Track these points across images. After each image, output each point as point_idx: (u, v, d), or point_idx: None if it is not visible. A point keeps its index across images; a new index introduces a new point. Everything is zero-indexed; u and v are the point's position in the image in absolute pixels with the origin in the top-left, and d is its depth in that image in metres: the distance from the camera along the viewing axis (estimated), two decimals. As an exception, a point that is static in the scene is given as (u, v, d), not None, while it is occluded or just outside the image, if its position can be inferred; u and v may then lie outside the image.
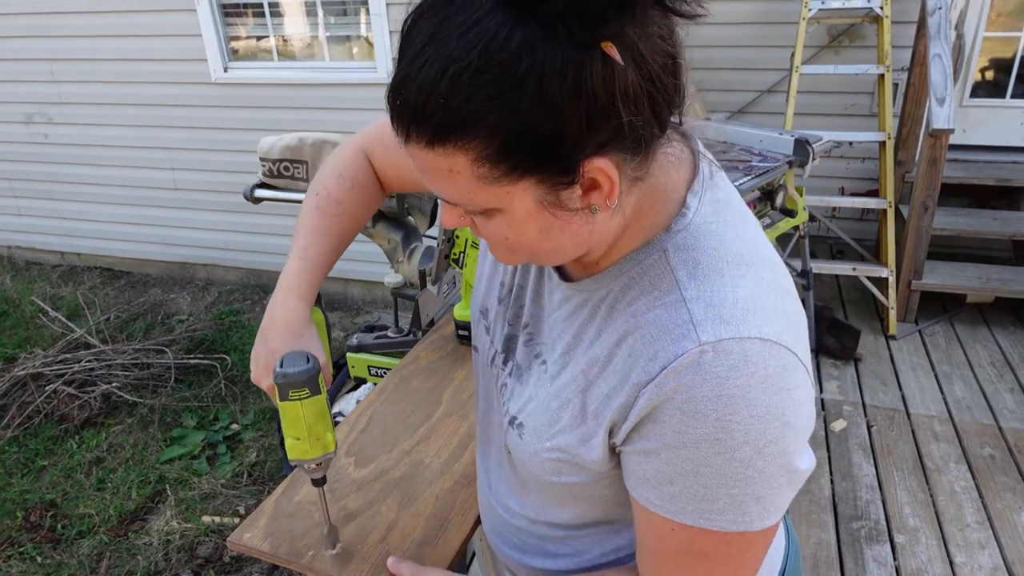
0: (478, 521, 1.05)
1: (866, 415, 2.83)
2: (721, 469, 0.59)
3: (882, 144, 3.22)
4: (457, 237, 1.43)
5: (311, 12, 3.84)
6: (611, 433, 0.66)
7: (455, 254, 1.45)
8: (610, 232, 0.64)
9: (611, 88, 0.52)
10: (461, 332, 1.50)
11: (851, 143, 3.45)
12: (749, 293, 0.60)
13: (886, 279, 3.32)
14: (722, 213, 0.65)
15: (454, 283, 1.69)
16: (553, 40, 0.50)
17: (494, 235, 0.63)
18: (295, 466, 0.86)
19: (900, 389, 2.99)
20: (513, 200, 0.58)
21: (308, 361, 0.82)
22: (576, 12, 0.49)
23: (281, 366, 0.82)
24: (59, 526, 2.66)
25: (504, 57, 0.50)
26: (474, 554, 2.02)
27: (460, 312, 1.49)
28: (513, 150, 0.53)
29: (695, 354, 0.58)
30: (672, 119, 0.59)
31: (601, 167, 0.55)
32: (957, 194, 3.60)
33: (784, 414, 0.58)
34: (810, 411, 0.62)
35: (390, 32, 3.64)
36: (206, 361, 3.59)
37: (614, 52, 0.51)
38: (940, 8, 3.01)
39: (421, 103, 0.53)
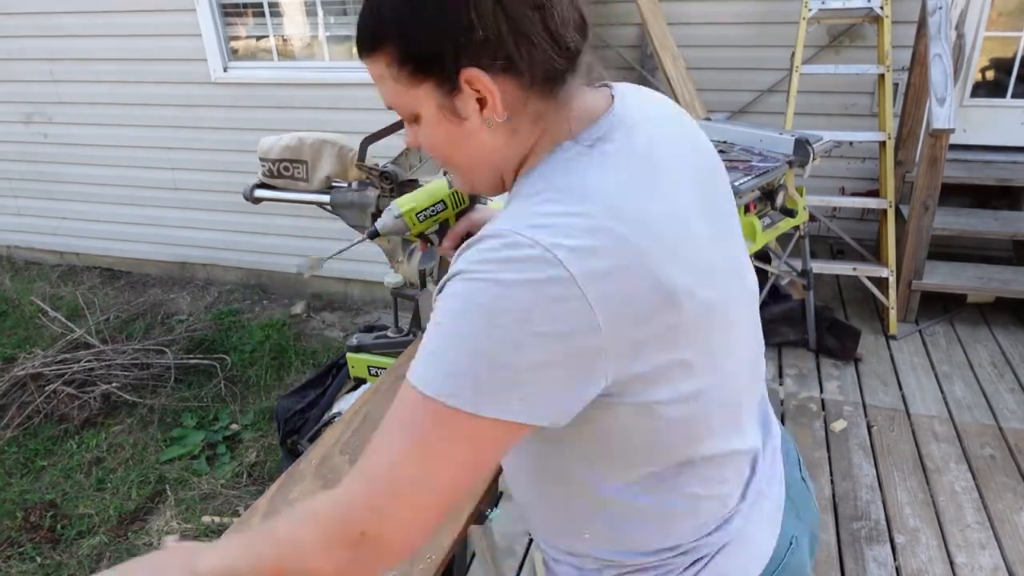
0: (471, 520, 1.04)
1: (866, 415, 2.83)
2: (455, 329, 0.65)
3: (882, 144, 3.22)
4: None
5: (311, 12, 3.84)
6: None
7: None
8: (513, 156, 0.76)
9: (468, 6, 0.66)
10: None
11: (851, 143, 3.45)
12: (553, 211, 0.67)
13: (886, 279, 3.31)
14: (592, 156, 0.71)
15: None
16: None
17: (425, 143, 0.77)
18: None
19: (900, 389, 2.99)
20: (422, 103, 0.73)
21: None
22: None
23: None
24: (59, 526, 2.66)
25: None
26: (474, 554, 2.01)
27: None
28: (411, 55, 0.70)
29: (470, 241, 0.69)
30: (564, 63, 0.71)
31: (477, 77, 0.69)
32: (957, 194, 3.59)
33: (527, 307, 0.63)
34: (555, 322, 0.63)
35: (390, 32, 3.64)
36: (206, 361, 3.59)
37: None
38: (940, 8, 3.01)
39: (361, 27, 0.73)
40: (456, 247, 1.07)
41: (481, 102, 0.71)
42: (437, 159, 0.79)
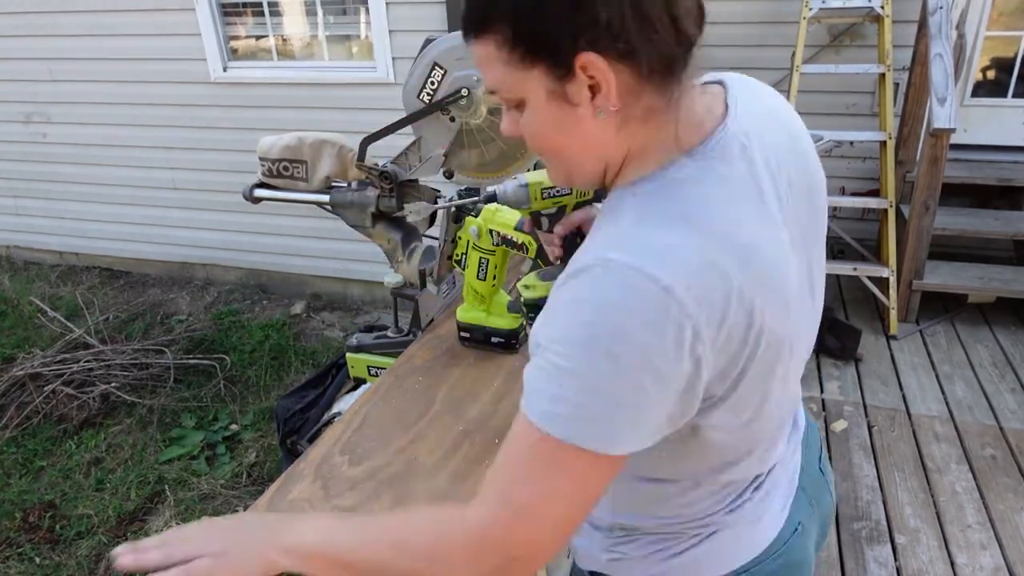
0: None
1: (867, 415, 2.82)
2: (578, 373, 0.65)
3: (883, 144, 3.21)
4: (459, 239, 1.43)
5: (310, 11, 3.84)
6: None
7: (457, 255, 1.45)
8: (618, 151, 0.73)
9: None
10: (463, 334, 1.49)
11: (852, 143, 3.45)
12: (671, 244, 0.65)
13: (887, 279, 3.31)
14: (707, 182, 0.69)
15: (454, 283, 1.69)
16: None
17: (528, 131, 0.74)
18: None
19: (901, 389, 2.98)
20: (530, 88, 0.70)
21: None
22: None
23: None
24: (58, 527, 2.65)
25: None
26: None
27: (463, 314, 1.48)
28: (523, 37, 0.67)
29: (587, 264, 0.67)
30: (682, 53, 0.68)
31: (594, 62, 0.65)
32: (958, 194, 3.59)
33: (649, 351, 0.63)
34: (674, 364, 0.64)
35: (390, 31, 3.64)
36: (205, 361, 3.59)
37: None
38: (941, 7, 3.00)
39: (470, 5, 0.70)
40: (566, 236, 1.07)
41: (594, 89, 0.68)
42: (536, 148, 0.76)
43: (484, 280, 1.41)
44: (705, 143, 0.71)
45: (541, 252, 1.29)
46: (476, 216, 1.38)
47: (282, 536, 0.76)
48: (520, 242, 1.30)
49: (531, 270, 1.22)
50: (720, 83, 0.78)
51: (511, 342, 1.45)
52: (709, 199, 0.68)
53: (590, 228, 0.76)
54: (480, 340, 1.47)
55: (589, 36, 0.64)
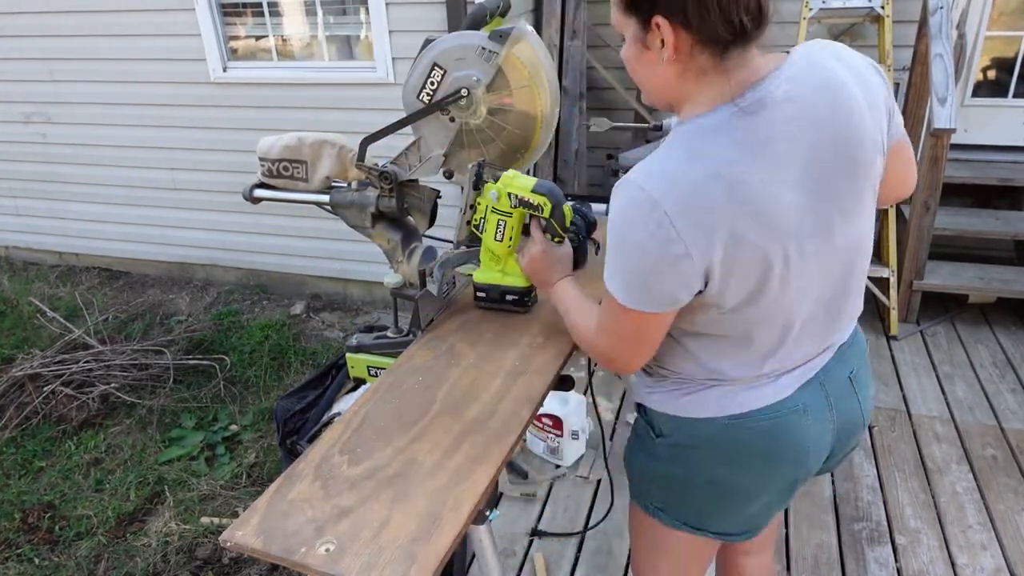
0: (471, 519, 1.04)
1: (867, 416, 2.82)
2: (613, 251, 1.02)
3: (883, 144, 3.20)
4: (478, 204, 1.50)
5: (310, 12, 3.83)
6: None
7: (476, 220, 1.52)
8: (675, 91, 1.02)
9: None
10: (479, 294, 1.59)
11: (852, 143, 3.44)
12: (667, 169, 0.96)
13: (887, 279, 3.31)
14: (720, 131, 0.96)
15: (454, 283, 1.69)
16: None
17: (625, 56, 1.05)
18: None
19: (901, 389, 2.98)
20: (628, 29, 1.00)
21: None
22: None
23: None
24: (57, 527, 2.65)
25: None
26: (474, 555, 2.01)
27: (479, 276, 1.57)
28: None
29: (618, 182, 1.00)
30: (730, 38, 0.94)
31: (660, 23, 0.94)
32: (959, 194, 3.59)
33: (640, 236, 0.96)
34: (661, 244, 0.95)
35: (390, 32, 3.64)
36: (205, 362, 3.58)
37: None
38: (941, 7, 3.00)
39: None
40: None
41: (662, 42, 0.96)
42: (630, 72, 1.06)
43: (501, 241, 1.50)
44: (743, 95, 0.96)
45: (555, 212, 1.40)
46: (495, 183, 1.46)
47: (561, 284, 1.37)
48: (536, 203, 1.41)
49: (545, 230, 1.42)
50: (787, 52, 1.01)
51: (524, 300, 1.56)
52: (716, 141, 0.95)
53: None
54: (495, 299, 1.58)
55: (663, 4, 0.93)
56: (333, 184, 1.66)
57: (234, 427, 3.18)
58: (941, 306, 3.53)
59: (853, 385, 1.24)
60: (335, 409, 1.72)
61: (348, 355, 1.66)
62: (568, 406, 2.65)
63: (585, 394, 2.90)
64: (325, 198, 1.64)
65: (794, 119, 0.96)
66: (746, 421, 1.14)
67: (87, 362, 3.43)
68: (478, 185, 1.48)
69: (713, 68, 0.97)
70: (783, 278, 1.01)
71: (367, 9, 3.64)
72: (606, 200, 1.46)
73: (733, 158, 0.94)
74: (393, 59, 3.68)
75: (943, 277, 3.39)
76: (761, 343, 1.10)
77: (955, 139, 3.16)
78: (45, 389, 3.27)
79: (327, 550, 0.96)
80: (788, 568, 2.20)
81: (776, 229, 0.96)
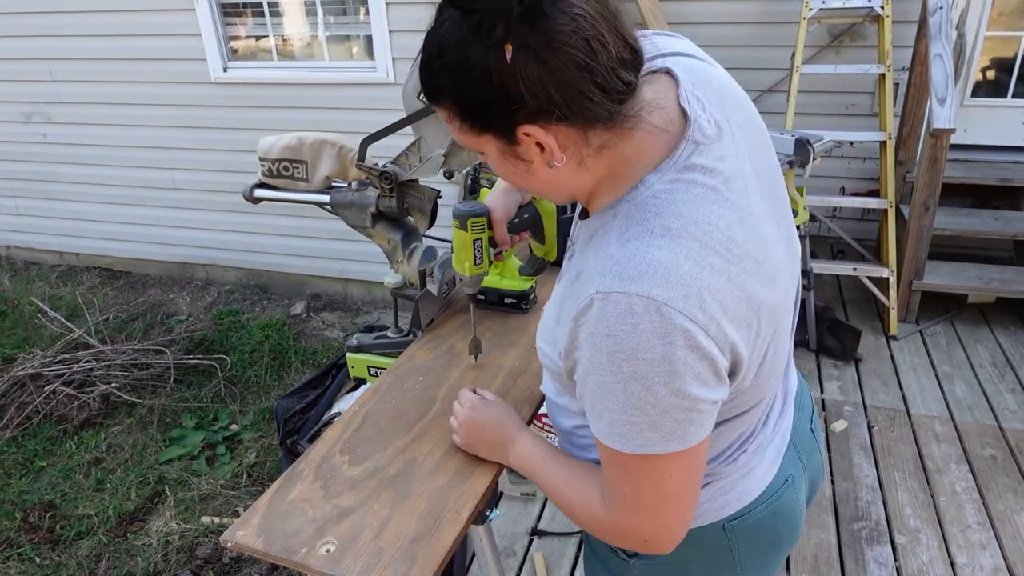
0: (472, 518, 1.04)
1: (867, 415, 2.83)
2: (619, 397, 0.73)
3: (883, 144, 3.21)
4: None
5: (311, 12, 3.84)
6: (562, 355, 0.81)
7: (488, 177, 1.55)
8: (583, 184, 0.80)
9: (515, 77, 0.68)
10: (479, 297, 1.57)
11: (852, 143, 3.45)
12: (658, 259, 0.70)
13: (887, 279, 3.31)
14: (675, 192, 0.74)
15: (454, 283, 1.69)
16: (477, 39, 0.68)
17: (502, 175, 0.83)
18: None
19: (901, 389, 2.98)
20: (486, 147, 0.78)
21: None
22: (490, 18, 0.67)
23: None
24: (58, 527, 2.65)
25: (449, 51, 0.71)
26: (474, 555, 2.01)
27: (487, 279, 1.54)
28: (468, 114, 0.75)
29: (591, 298, 0.73)
30: (619, 106, 0.72)
31: (532, 133, 0.72)
32: (958, 194, 3.59)
33: (668, 361, 0.70)
34: (697, 363, 0.71)
35: (390, 32, 3.64)
36: (205, 361, 3.59)
37: (508, 53, 0.67)
38: (941, 8, 3.00)
39: (420, 79, 0.76)
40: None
41: (541, 146, 0.74)
42: (517, 187, 0.89)
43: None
44: (669, 159, 0.76)
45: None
46: (491, 186, 1.46)
47: (515, 433, 1.04)
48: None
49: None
50: (667, 71, 0.81)
51: (522, 303, 1.58)
52: (681, 207, 0.73)
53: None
54: (494, 301, 1.59)
55: (524, 113, 0.71)
56: (333, 184, 1.66)
57: (234, 427, 3.19)
58: (940, 306, 3.53)
59: (815, 436, 1.11)
60: (335, 409, 1.73)
61: (348, 355, 1.66)
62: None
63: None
64: (325, 198, 1.64)
65: (731, 136, 0.79)
66: (747, 518, 0.96)
67: (88, 362, 3.44)
68: (474, 190, 1.48)
69: (614, 136, 0.75)
70: (777, 338, 0.83)
71: (367, 9, 3.64)
72: None
73: (709, 215, 0.74)
74: (393, 59, 3.69)
75: (942, 277, 3.39)
76: (755, 412, 0.91)
77: (954, 139, 3.16)
78: (46, 389, 3.27)
79: (328, 550, 0.97)
80: (788, 568, 2.20)
81: (775, 272, 0.79)
